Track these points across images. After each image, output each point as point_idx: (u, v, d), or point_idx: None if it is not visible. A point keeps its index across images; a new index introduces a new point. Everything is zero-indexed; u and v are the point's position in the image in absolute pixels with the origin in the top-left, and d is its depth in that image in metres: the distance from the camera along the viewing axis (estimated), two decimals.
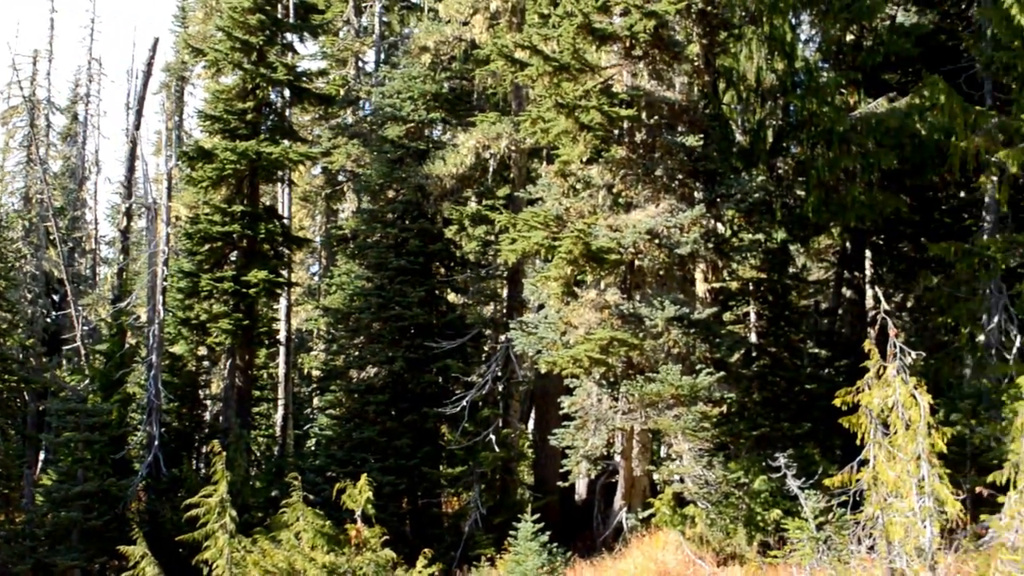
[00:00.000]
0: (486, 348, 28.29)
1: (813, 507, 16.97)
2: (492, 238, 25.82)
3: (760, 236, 23.56)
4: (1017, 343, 24.24)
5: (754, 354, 24.71)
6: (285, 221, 30.60)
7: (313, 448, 30.18)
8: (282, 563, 16.52)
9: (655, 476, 21.44)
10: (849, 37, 27.50)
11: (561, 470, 22.11)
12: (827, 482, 15.70)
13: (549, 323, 20.72)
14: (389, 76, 28.80)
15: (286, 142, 27.66)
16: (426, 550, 17.82)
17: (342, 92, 33.93)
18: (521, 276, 26.14)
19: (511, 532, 19.92)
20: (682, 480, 20.41)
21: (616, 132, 21.21)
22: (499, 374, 25.66)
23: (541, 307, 22.38)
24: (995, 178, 25.27)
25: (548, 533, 19.48)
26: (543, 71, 20.64)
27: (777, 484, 19.61)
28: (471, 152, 25.67)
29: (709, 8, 21.92)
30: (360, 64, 37.84)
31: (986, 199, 26.16)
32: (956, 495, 14.32)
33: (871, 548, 14.97)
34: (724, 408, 21.22)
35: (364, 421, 25.42)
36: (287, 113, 29.08)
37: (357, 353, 27.09)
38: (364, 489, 17.73)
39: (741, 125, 26.04)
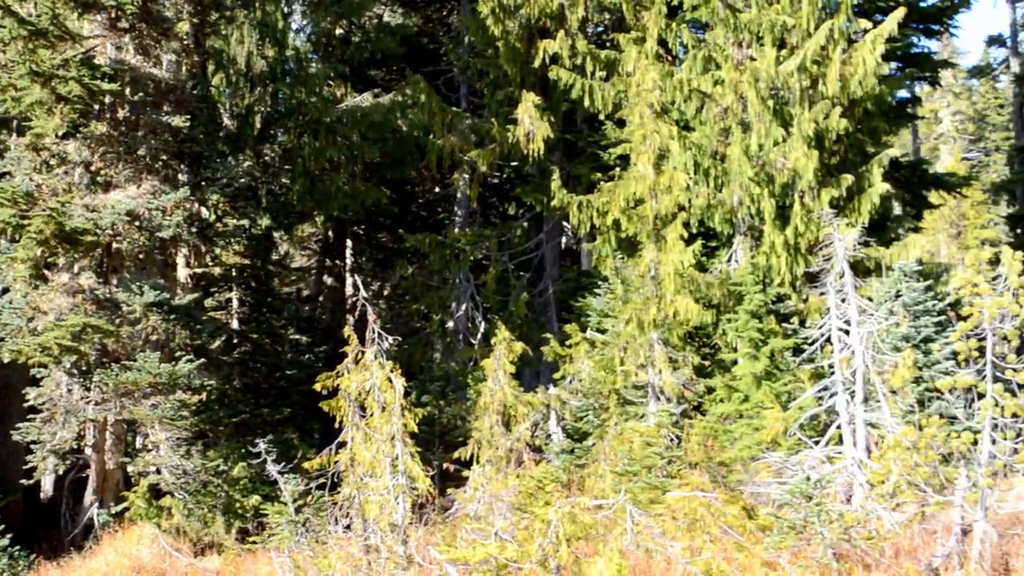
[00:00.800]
0: None
1: (292, 491, 17.14)
2: None
3: (245, 222, 23.42)
4: (482, 329, 26.24)
5: (235, 340, 24.51)
6: None
7: None
8: None
9: (130, 468, 20.56)
10: (339, 31, 28.18)
11: (26, 467, 20.53)
12: (306, 465, 15.97)
13: (14, 308, 19.14)
14: None
15: None
16: None
17: None
18: None
19: None
20: (159, 471, 19.79)
21: (97, 107, 20.06)
22: None
23: (6, 291, 20.62)
24: (467, 176, 27.15)
25: (9, 536, 18.06)
26: (17, 35, 19.00)
27: (257, 470, 19.59)
28: None
29: None
30: None
31: (458, 195, 28.03)
32: (426, 472, 15.16)
33: (348, 527, 15.42)
34: (204, 395, 20.87)
35: None
36: None
37: None
38: None
39: (230, 109, 25.73)
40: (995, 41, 52.11)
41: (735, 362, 20.30)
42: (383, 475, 14.66)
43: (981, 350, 12.38)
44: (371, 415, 15.05)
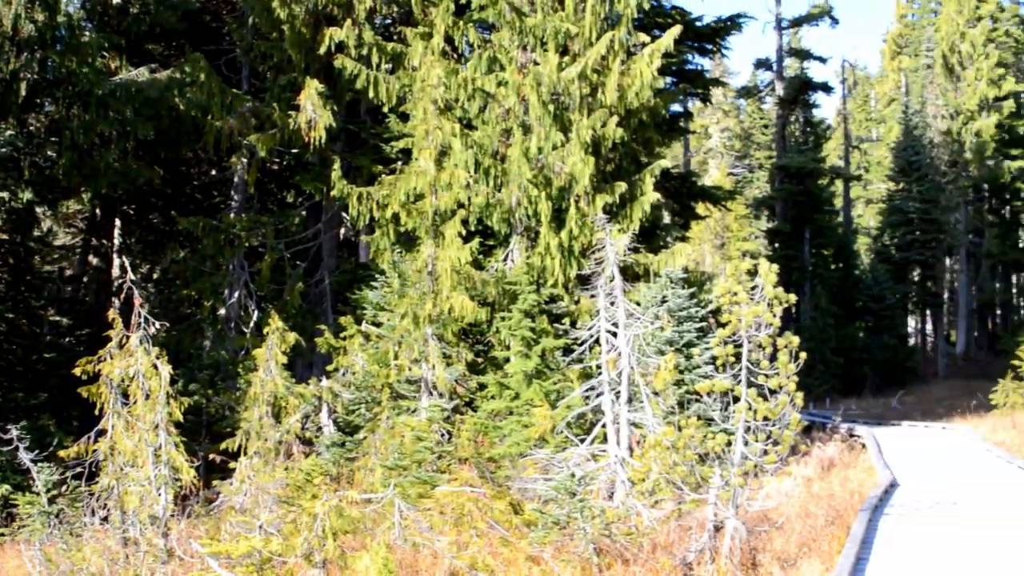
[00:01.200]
0: None
1: (46, 480, 16.34)
2: None
3: (5, 194, 22.26)
4: (255, 317, 25.75)
5: None
6: None
7: None
8: None
9: None
10: (116, 0, 27.02)
11: None
12: (63, 454, 15.29)
13: None
14: None
15: None
16: None
17: None
18: None
19: None
20: None
21: None
22: None
23: None
24: (245, 160, 26.58)
25: None
26: None
27: (8, 457, 18.59)
28: None
29: None
30: None
31: (236, 179, 27.42)
32: (191, 462, 14.77)
33: (105, 519, 14.86)
34: None
35: None
36: None
37: None
38: None
39: None
40: (763, 65, 55.25)
41: (507, 360, 20.67)
42: (145, 465, 14.20)
43: (738, 356, 13.04)
44: (134, 403, 14.55)
